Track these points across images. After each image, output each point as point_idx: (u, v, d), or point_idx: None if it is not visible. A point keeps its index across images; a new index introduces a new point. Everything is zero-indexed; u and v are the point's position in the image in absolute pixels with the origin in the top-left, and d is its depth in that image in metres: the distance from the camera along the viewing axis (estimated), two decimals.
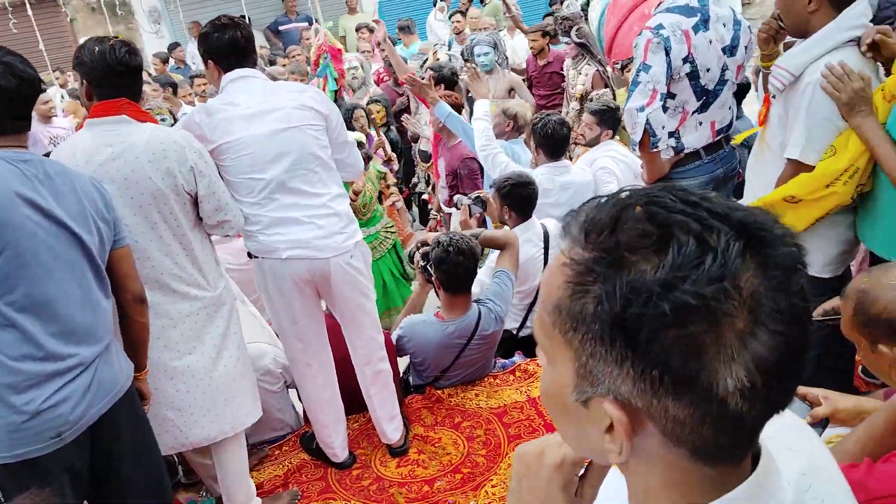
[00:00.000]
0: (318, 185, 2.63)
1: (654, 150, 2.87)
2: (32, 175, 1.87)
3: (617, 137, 4.20)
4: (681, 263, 0.58)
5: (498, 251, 3.36)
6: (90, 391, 1.94)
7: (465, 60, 6.62)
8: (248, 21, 2.69)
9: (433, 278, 3.13)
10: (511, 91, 5.92)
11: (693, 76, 2.86)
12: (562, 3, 5.52)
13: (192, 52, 10.56)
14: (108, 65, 2.27)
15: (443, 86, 4.79)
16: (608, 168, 3.90)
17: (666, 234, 0.60)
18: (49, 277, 1.87)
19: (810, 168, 2.33)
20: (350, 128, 4.31)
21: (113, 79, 2.29)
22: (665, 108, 2.84)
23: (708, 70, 2.89)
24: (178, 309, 2.41)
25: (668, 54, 2.77)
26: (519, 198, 3.44)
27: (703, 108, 2.96)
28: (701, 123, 2.98)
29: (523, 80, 6.25)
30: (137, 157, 2.26)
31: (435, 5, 9.44)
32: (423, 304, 3.46)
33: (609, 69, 5.57)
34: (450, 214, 4.56)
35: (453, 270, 3.03)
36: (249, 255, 2.71)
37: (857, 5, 2.28)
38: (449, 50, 7.44)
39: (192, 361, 2.45)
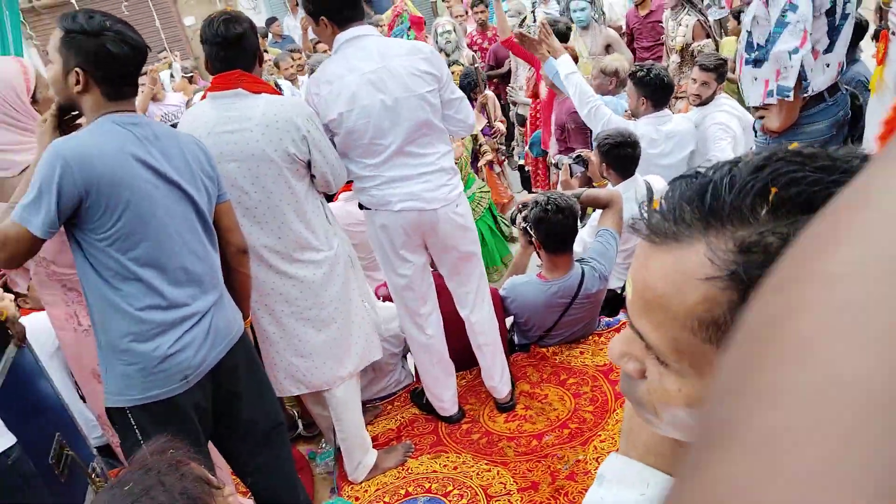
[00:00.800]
0: (429, 146, 2.70)
1: (805, 94, 2.73)
2: (143, 137, 1.98)
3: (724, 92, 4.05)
4: None
5: (601, 210, 3.34)
6: (209, 337, 2.08)
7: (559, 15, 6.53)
8: None
9: (534, 239, 3.15)
10: (608, 47, 5.80)
11: (831, 12, 2.73)
12: None
13: (289, 25, 10.81)
14: (208, 39, 2.40)
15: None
16: (724, 124, 3.75)
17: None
18: (166, 233, 1.99)
19: None
20: None
21: (218, 51, 2.40)
22: None
23: (848, 1, 2.75)
24: (294, 270, 2.56)
25: None
26: (620, 157, 3.39)
27: (829, 48, 2.83)
28: (828, 65, 2.84)
29: (622, 34, 6.10)
30: (252, 131, 2.38)
31: None
32: (525, 265, 3.49)
33: (711, 18, 5.37)
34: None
35: (552, 229, 3.03)
36: (361, 206, 2.82)
37: None
38: (534, 9, 7.32)
39: (313, 315, 2.61)
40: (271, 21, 10.33)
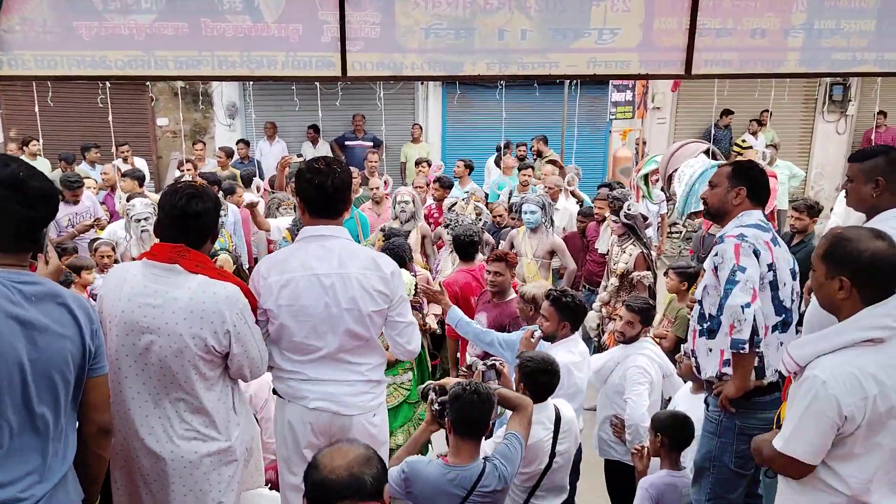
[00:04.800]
0: (362, 356, 2.68)
1: (757, 350, 2.82)
2: (27, 295, 1.87)
3: (651, 334, 4.17)
4: None
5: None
6: None
7: (511, 210, 6.82)
8: (341, 166, 2.69)
9: (445, 420, 3.07)
10: (552, 253, 6.00)
11: (774, 286, 2.91)
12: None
13: (262, 150, 11.04)
14: (165, 207, 2.38)
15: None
16: (643, 368, 3.83)
17: None
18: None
19: (792, 460, 2.21)
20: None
21: (172, 221, 2.38)
22: None
23: (785, 284, 2.95)
24: (170, 450, 2.42)
25: (757, 258, 2.84)
26: (539, 383, 3.37)
27: (783, 328, 2.96)
28: (781, 344, 2.95)
29: (585, 241, 6.39)
30: (175, 312, 2.32)
31: (498, 151, 9.76)
32: (423, 443, 3.37)
33: (654, 252, 5.64)
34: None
35: (467, 409, 2.96)
36: (274, 391, 2.72)
37: (889, 303, 2.16)
38: (510, 198, 7.66)
39: (185, 502, 2.45)
40: (242, 142, 10.53)
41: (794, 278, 3.01)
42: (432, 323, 5.20)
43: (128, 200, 6.23)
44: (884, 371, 2.12)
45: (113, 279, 2.42)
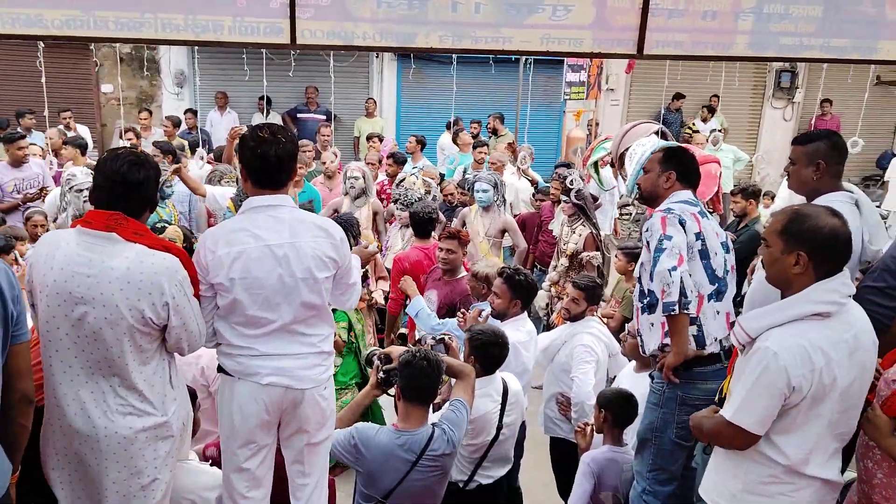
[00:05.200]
0: (315, 327, 2.65)
1: (686, 311, 2.90)
2: None
3: (598, 314, 4.22)
4: None
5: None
6: None
7: (462, 188, 6.81)
8: (286, 136, 2.62)
9: (389, 387, 3.12)
10: (503, 232, 6.01)
11: (704, 255, 3.02)
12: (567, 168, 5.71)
13: (213, 119, 10.77)
14: (106, 176, 2.29)
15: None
16: (589, 347, 3.87)
17: None
18: None
19: (739, 430, 2.28)
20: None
21: (111, 189, 2.29)
22: None
23: (716, 254, 3.04)
24: (104, 425, 2.34)
25: (683, 227, 2.95)
26: (488, 355, 3.42)
27: (717, 296, 3.05)
28: (718, 313, 3.05)
29: (538, 221, 6.40)
30: (111, 282, 2.25)
31: (448, 128, 9.72)
32: (366, 406, 3.37)
33: (602, 232, 5.69)
34: None
35: (416, 375, 2.99)
36: (220, 369, 2.64)
37: (837, 279, 2.25)
38: (465, 174, 7.64)
39: (119, 478, 2.38)
40: (190, 111, 10.26)
41: (726, 251, 3.11)
42: (379, 298, 5.18)
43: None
44: (831, 344, 2.21)
45: (44, 247, 2.32)
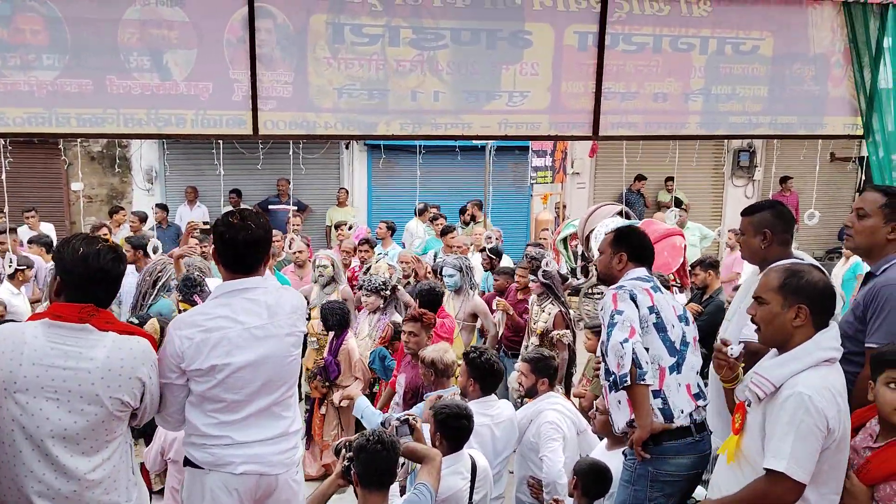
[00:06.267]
0: (287, 409, 2.65)
1: (642, 382, 2.87)
2: None
3: (559, 390, 4.17)
4: None
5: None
6: None
7: (435, 273, 6.83)
8: (257, 222, 2.60)
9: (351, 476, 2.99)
10: (475, 315, 5.99)
11: (660, 328, 3.01)
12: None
13: (182, 214, 10.78)
14: (88, 270, 2.26)
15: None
16: (555, 423, 3.81)
17: None
18: None
19: (793, 482, 2.21)
20: None
21: (89, 285, 2.27)
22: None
23: (673, 327, 3.04)
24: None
25: (634, 301, 2.95)
26: (454, 429, 3.37)
27: (677, 369, 3.03)
28: (680, 385, 3.02)
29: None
30: (91, 372, 2.22)
31: (416, 215, 9.84)
32: (330, 496, 3.25)
33: (572, 311, 5.71)
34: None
35: (371, 460, 2.90)
36: (188, 462, 2.56)
37: (833, 329, 2.38)
38: (435, 260, 7.68)
39: None
40: (159, 206, 10.28)
41: (686, 323, 3.11)
42: (336, 400, 5.25)
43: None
44: (842, 388, 2.29)
45: (6, 342, 2.21)
